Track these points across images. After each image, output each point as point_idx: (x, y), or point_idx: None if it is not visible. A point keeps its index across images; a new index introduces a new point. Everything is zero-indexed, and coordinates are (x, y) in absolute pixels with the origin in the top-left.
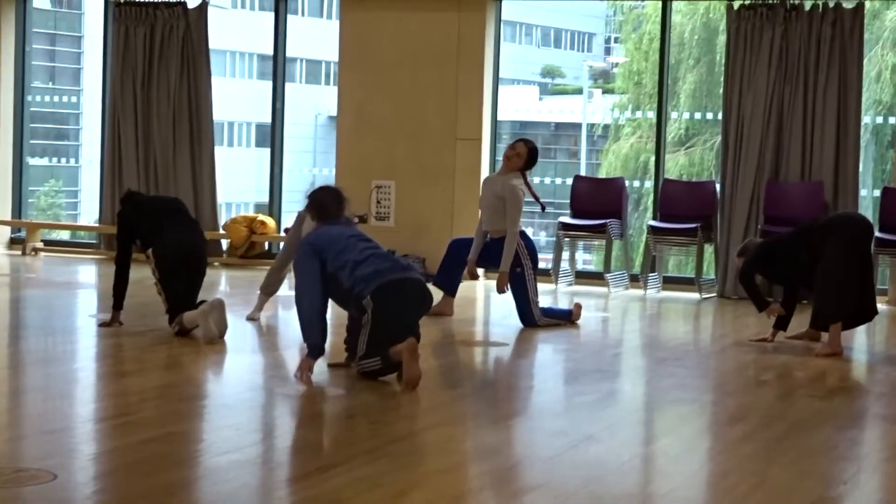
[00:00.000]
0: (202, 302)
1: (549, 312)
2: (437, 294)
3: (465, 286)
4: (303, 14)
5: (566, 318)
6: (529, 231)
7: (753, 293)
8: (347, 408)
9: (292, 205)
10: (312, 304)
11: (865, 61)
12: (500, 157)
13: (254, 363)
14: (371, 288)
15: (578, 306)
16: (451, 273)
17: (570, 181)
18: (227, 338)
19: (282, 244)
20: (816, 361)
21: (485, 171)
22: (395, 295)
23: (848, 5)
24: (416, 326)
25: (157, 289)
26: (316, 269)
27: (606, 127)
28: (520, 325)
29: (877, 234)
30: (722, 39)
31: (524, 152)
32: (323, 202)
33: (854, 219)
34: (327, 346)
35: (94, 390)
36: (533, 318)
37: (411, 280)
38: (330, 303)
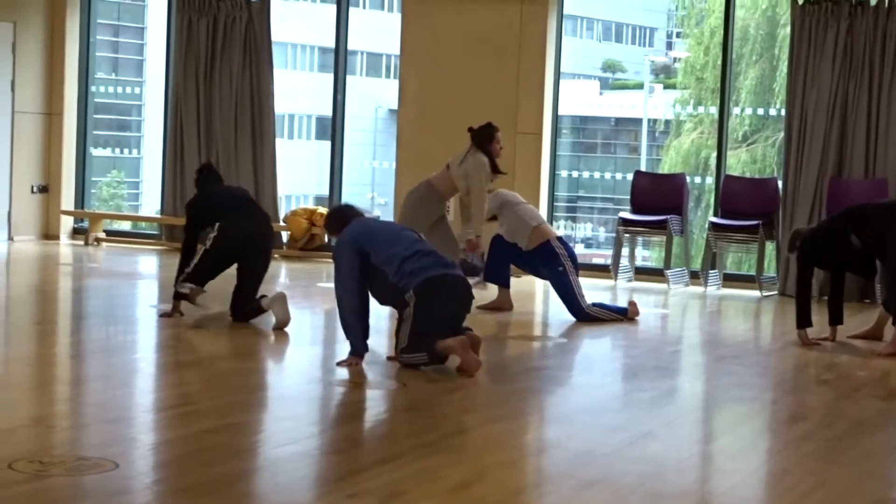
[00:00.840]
0: (263, 297)
1: (605, 307)
2: (493, 290)
3: (522, 281)
4: (364, 7)
5: (621, 314)
6: (588, 226)
7: (803, 297)
8: (406, 401)
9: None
10: (352, 302)
11: None
12: (561, 152)
13: (314, 355)
14: (415, 282)
15: (633, 304)
16: (498, 266)
17: (630, 176)
18: (288, 329)
19: None
20: (879, 361)
21: (545, 166)
22: (437, 290)
23: None
24: (461, 323)
25: (195, 254)
26: (356, 264)
27: (668, 122)
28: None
29: None
30: (784, 34)
31: None
32: (337, 209)
33: None
34: (384, 339)
35: (155, 380)
36: (582, 308)
37: (453, 276)
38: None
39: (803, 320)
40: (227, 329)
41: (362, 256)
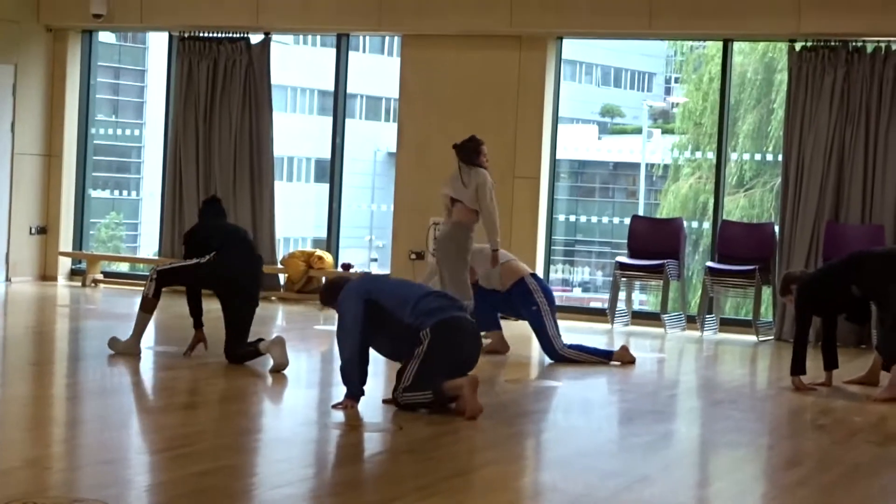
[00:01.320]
0: (261, 340)
1: (583, 349)
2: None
3: (517, 324)
4: (364, 51)
5: (604, 357)
6: (586, 270)
7: (800, 343)
8: (402, 443)
9: (350, 240)
10: (353, 347)
11: None
12: (559, 196)
13: (309, 397)
14: (431, 322)
15: (625, 348)
16: (484, 313)
17: (628, 221)
18: (282, 374)
19: None
20: (875, 406)
21: (543, 210)
22: (452, 332)
23: None
24: (472, 367)
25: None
26: (361, 310)
27: (666, 167)
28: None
29: None
30: (781, 79)
31: None
32: (330, 282)
33: None
34: (380, 382)
35: (151, 422)
36: (555, 349)
37: (467, 320)
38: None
39: (798, 367)
40: (223, 371)
41: (368, 305)
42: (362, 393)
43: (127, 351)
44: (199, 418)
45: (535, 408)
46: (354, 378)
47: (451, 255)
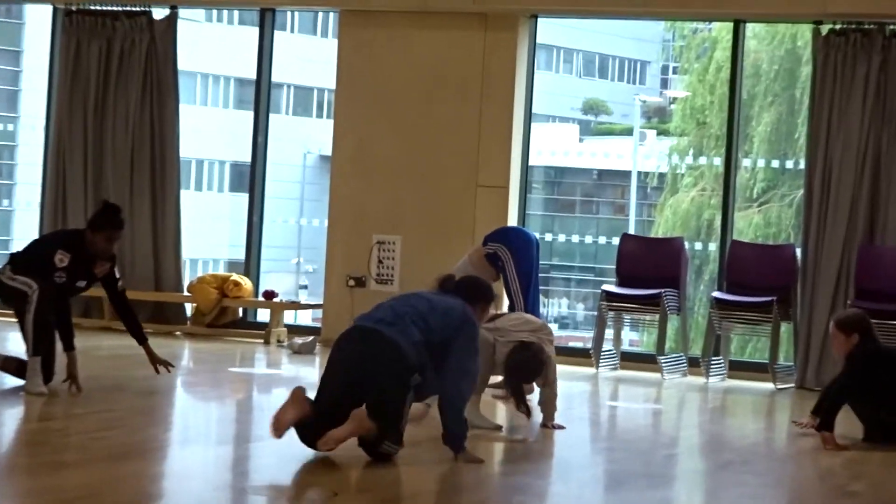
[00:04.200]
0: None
1: None
2: None
3: None
4: (292, 30)
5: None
6: (564, 302)
7: (840, 394)
8: None
9: (273, 263)
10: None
11: None
12: (530, 210)
13: (222, 456)
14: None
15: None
16: None
17: (616, 241)
18: (189, 426)
19: (258, 311)
20: None
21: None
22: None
23: None
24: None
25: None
26: None
27: (662, 176)
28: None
29: None
30: (806, 71)
31: None
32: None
33: None
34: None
35: (24, 485)
36: None
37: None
38: None
39: (828, 420)
40: (116, 422)
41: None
42: None
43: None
44: (85, 480)
45: (502, 470)
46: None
47: None
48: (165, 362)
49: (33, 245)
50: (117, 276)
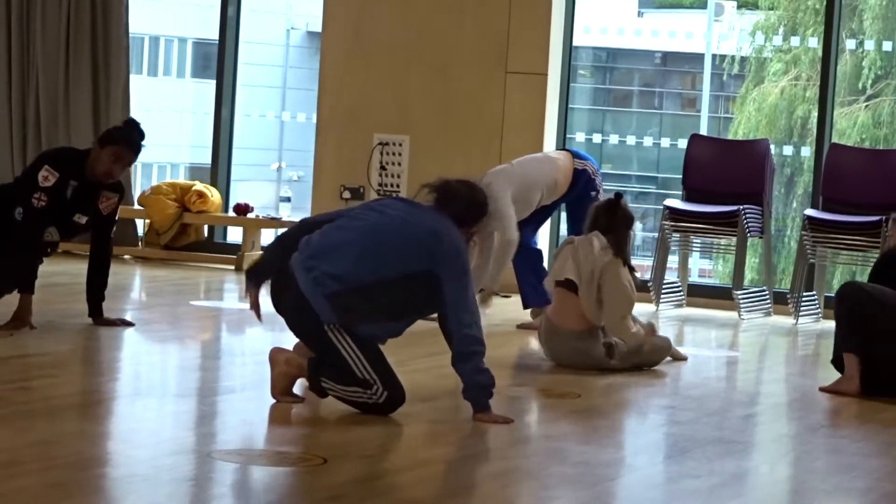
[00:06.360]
0: None
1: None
2: None
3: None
4: None
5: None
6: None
7: None
8: (332, 486)
9: (248, 169)
10: None
11: None
12: (575, 104)
13: (180, 413)
14: None
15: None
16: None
17: (683, 144)
18: (141, 375)
19: (228, 229)
20: None
21: (551, 125)
22: None
23: None
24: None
25: None
26: None
27: (744, 60)
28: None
29: None
30: None
31: None
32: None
33: None
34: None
35: None
36: None
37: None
38: None
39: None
40: (48, 367)
41: None
42: None
43: None
44: (10, 442)
45: (539, 432)
46: None
47: None
48: (126, 322)
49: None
50: (116, 218)
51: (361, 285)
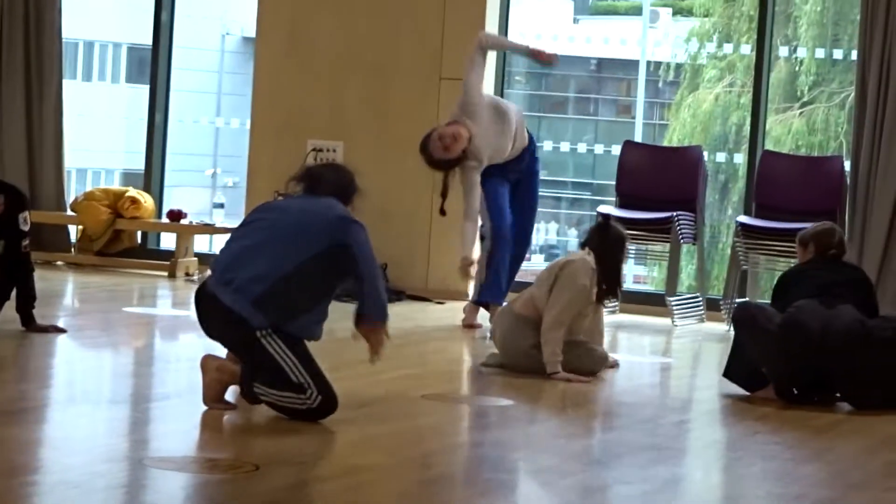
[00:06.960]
0: None
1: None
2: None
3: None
4: None
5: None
6: (552, 227)
7: None
8: (257, 494)
9: (182, 175)
10: None
11: None
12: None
13: (113, 420)
14: None
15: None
16: None
17: (617, 150)
18: (74, 382)
19: (162, 236)
20: None
21: None
22: None
23: None
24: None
25: None
26: None
27: (678, 67)
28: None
29: None
30: None
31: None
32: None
33: None
34: None
35: None
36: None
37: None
38: None
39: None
40: None
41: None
42: None
43: None
44: None
45: (469, 439)
46: None
47: None
48: (58, 329)
49: None
50: (24, 227)
51: (283, 276)
